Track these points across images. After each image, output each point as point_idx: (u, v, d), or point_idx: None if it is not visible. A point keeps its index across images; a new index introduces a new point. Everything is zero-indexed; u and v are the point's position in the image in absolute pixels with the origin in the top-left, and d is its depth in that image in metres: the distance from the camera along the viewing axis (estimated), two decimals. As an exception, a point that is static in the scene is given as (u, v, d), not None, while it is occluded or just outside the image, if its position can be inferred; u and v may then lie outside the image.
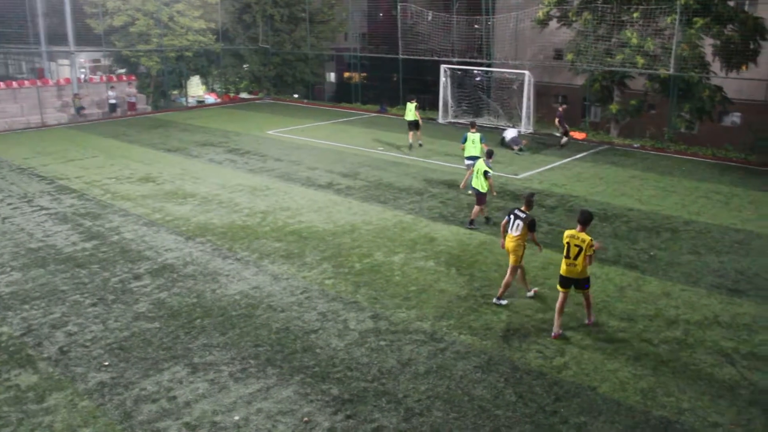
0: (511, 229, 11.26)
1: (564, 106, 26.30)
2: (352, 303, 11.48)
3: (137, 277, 12.68)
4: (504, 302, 11.43)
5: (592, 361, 9.57)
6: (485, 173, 15.03)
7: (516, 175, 20.80)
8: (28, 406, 8.50)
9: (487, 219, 15.95)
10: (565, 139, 25.16)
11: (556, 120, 25.20)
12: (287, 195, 18.40)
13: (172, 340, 10.21)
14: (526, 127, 28.18)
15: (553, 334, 10.31)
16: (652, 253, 13.96)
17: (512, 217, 11.31)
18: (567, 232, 10.23)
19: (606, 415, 8.26)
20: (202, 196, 18.26)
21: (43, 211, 16.95)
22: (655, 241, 14.70)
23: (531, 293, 11.77)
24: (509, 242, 11.29)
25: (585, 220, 10.09)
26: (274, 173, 20.99)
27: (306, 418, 8.18)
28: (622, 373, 9.24)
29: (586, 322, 10.72)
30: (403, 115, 27.14)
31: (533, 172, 21.14)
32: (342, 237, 14.88)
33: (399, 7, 35.13)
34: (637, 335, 10.35)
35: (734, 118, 33.30)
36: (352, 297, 11.73)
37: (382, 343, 10.08)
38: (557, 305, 10.34)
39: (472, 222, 15.56)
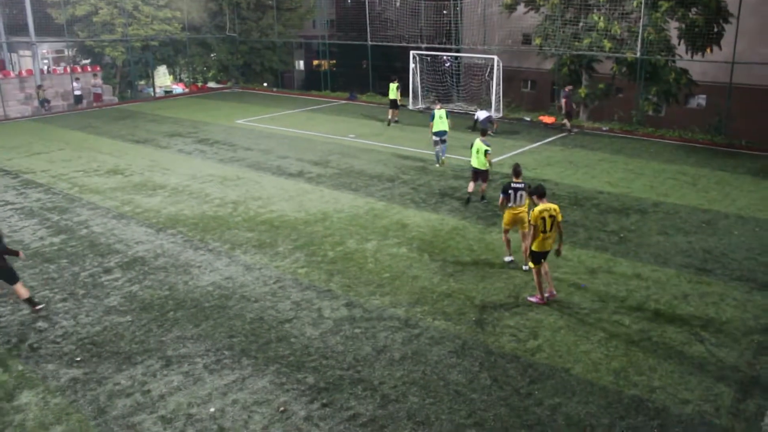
0: (516, 201, 11.86)
1: (570, 87, 26.36)
2: (326, 291, 11.46)
3: (108, 271, 12.51)
4: (526, 267, 11.99)
5: (565, 342, 9.69)
6: (486, 152, 15.48)
7: (487, 160, 20.86)
8: (-2, 404, 8.36)
9: (468, 200, 16.35)
10: (567, 122, 25.35)
11: (564, 101, 25.34)
12: (258, 184, 18.27)
13: (144, 333, 10.10)
14: (495, 111, 28.28)
15: (547, 295, 10.87)
16: (622, 235, 14.14)
17: (512, 191, 11.84)
18: (539, 208, 10.44)
19: (580, 396, 8.38)
20: (172, 187, 18.04)
21: (9, 206, 16.62)
22: (624, 223, 14.90)
23: (510, 258, 12.51)
24: (519, 214, 11.91)
25: (543, 191, 10.55)
26: (244, 163, 20.82)
27: (282, 408, 8.17)
28: (595, 354, 9.36)
29: (550, 295, 11.04)
30: (373, 102, 27.30)
31: (503, 157, 21.24)
32: (314, 225, 14.83)
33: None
34: (608, 316, 10.49)
35: (700, 100, 33.78)
36: (326, 285, 11.71)
37: (357, 330, 10.09)
38: (538, 280, 10.83)
39: (483, 197, 16.31)
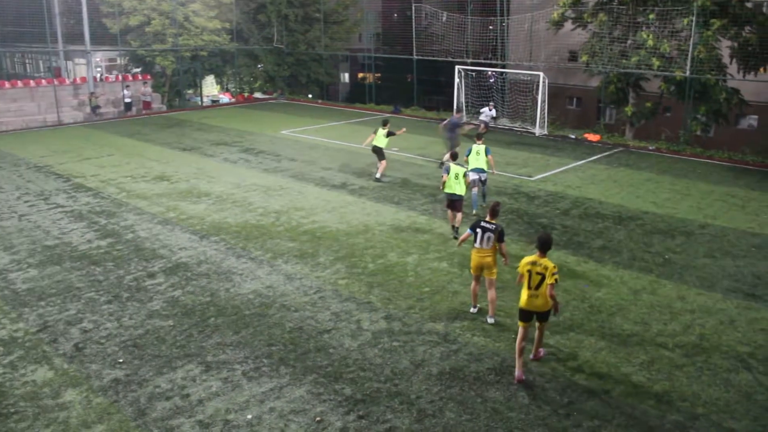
0: (481, 242, 10.49)
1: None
2: (366, 303, 11.48)
3: (151, 275, 12.75)
4: (492, 320, 10.83)
5: (606, 364, 9.52)
6: (465, 174, 14.69)
7: (530, 177, 20.73)
8: (43, 401, 8.56)
9: (455, 236, 14.90)
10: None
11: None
12: (301, 195, 18.43)
13: (185, 338, 10.26)
14: (540, 129, 28.07)
15: (515, 378, 9.07)
16: (666, 257, 13.87)
17: (479, 230, 10.52)
18: (525, 260, 9.16)
19: (620, 419, 8.21)
20: (217, 196, 18.33)
21: (59, 209, 17.09)
22: (670, 245, 14.60)
23: (475, 309, 11.17)
24: (481, 258, 10.54)
25: (544, 244, 9.09)
26: (288, 173, 21.04)
27: (318, 418, 8.19)
28: (637, 377, 9.18)
29: (531, 357, 9.66)
30: (417, 116, 26.96)
31: (547, 174, 21.06)
32: (356, 237, 14.89)
33: (413, 7, 35.10)
34: (651, 339, 10.28)
35: (751, 120, 33.00)
36: (366, 297, 11.73)
37: (395, 343, 10.07)
38: (517, 344, 9.16)
39: (455, 228, 15.00)
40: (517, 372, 9.07)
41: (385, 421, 8.12)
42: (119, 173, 21.03)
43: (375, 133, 20.07)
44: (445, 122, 21.97)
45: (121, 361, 9.58)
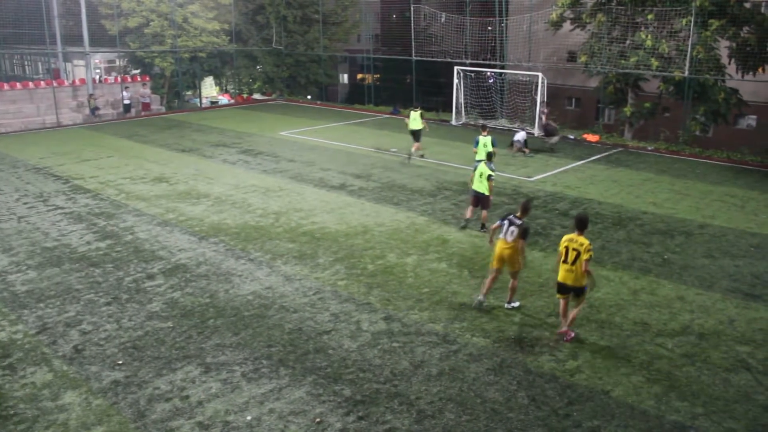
0: (505, 234, 11.00)
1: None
2: (365, 304, 11.49)
3: (151, 277, 12.75)
4: (516, 304, 11.37)
5: (606, 364, 9.52)
6: (489, 176, 14.95)
7: (529, 177, 20.74)
8: (43, 403, 8.56)
9: (464, 227, 15.60)
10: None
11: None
12: (300, 196, 18.44)
13: (185, 339, 10.25)
14: (538, 129, 28.08)
15: (561, 332, 10.30)
16: (666, 257, 13.87)
17: (507, 222, 11.05)
18: (565, 237, 10.14)
19: (619, 420, 8.22)
20: (216, 197, 18.33)
21: (59, 211, 17.08)
22: (669, 245, 14.61)
23: (481, 298, 11.37)
24: (504, 249, 11.00)
25: (582, 223, 10.08)
26: (287, 174, 21.05)
27: (318, 419, 8.19)
28: (636, 377, 9.18)
29: (565, 339, 10.21)
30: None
31: (546, 174, 21.07)
32: (355, 238, 14.89)
33: (412, 8, 35.13)
34: (650, 339, 10.29)
35: (750, 120, 33.04)
36: (365, 298, 11.73)
37: (395, 344, 10.07)
38: (561, 310, 10.40)
39: (483, 226, 15.40)
40: (562, 329, 10.29)
41: (385, 422, 8.13)
42: (118, 175, 21.03)
43: (408, 117, 22.75)
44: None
45: (120, 362, 9.58)
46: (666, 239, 14.98)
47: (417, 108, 23.15)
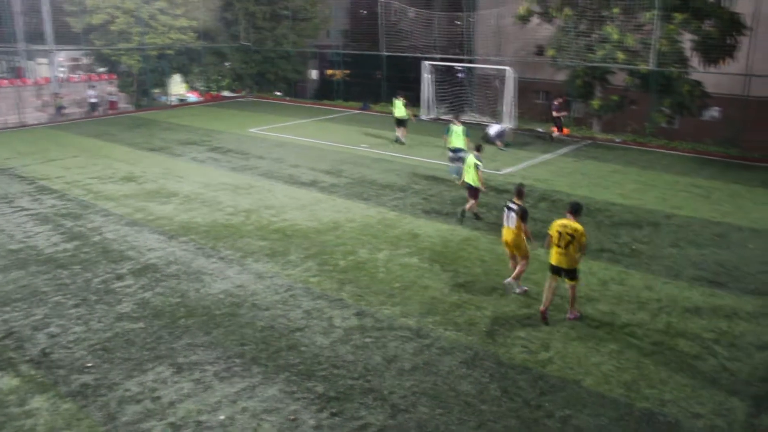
0: (507, 221, 11.47)
1: (560, 99, 26.88)
2: (337, 300, 11.47)
3: (120, 278, 12.59)
4: (517, 290, 11.64)
5: (576, 354, 9.64)
6: (476, 166, 15.18)
7: (498, 171, 20.87)
8: (9, 409, 8.40)
9: (476, 215, 15.99)
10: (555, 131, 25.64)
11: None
12: (270, 193, 18.34)
13: (155, 340, 10.15)
14: (508, 123, 28.24)
15: (540, 309, 10.64)
16: (634, 247, 14.08)
17: (506, 209, 11.53)
18: (557, 221, 10.48)
19: (590, 408, 8.33)
20: (185, 195, 18.15)
21: (24, 212, 16.77)
22: (637, 235, 14.82)
23: (517, 288, 11.77)
24: (508, 235, 11.53)
25: (576, 209, 10.44)
26: (257, 171, 20.91)
27: (292, 416, 8.17)
28: (606, 366, 9.31)
29: (569, 316, 10.74)
30: (386, 113, 27.26)
31: (516, 168, 21.23)
32: (326, 234, 14.86)
33: (380, 4, 35.07)
34: (620, 328, 10.43)
35: (713, 112, 33.58)
36: (337, 294, 11.72)
37: (368, 340, 10.08)
38: (547, 287, 10.68)
39: (477, 216, 15.87)
40: (542, 306, 10.66)
41: (359, 418, 8.13)
42: (85, 175, 20.70)
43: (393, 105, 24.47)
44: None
45: (89, 365, 9.44)
46: (634, 230, 15.20)
47: (400, 96, 25.04)
